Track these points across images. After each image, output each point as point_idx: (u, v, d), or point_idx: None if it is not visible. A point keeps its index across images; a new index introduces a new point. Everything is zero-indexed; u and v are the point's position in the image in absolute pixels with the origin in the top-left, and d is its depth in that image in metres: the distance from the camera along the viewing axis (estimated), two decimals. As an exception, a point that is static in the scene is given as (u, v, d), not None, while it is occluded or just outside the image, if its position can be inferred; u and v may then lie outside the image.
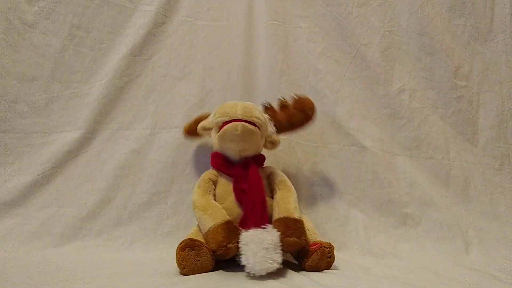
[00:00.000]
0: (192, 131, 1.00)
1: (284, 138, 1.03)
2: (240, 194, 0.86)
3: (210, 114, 0.94)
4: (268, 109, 0.92)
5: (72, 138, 1.05)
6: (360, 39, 1.12)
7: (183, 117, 1.07)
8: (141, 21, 1.08)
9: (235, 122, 0.83)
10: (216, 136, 0.87)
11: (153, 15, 1.08)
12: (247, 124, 0.83)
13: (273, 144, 0.94)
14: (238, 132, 0.83)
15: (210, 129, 0.93)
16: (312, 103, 0.91)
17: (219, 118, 0.86)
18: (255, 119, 0.85)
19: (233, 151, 0.88)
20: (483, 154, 1.14)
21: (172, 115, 1.08)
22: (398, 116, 1.12)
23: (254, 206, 0.82)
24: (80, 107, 1.06)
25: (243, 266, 0.76)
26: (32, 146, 1.05)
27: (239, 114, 0.84)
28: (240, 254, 0.76)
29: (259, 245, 0.74)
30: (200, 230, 0.84)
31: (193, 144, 1.07)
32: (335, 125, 1.09)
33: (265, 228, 0.78)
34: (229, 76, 1.11)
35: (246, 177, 0.86)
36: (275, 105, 0.93)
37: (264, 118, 0.88)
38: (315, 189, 1.07)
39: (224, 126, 0.84)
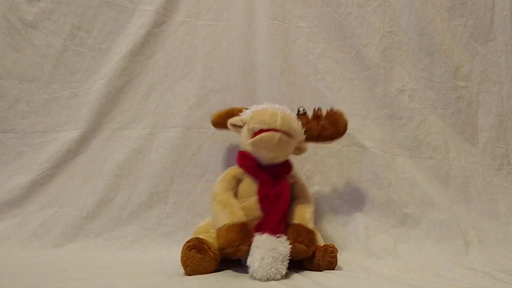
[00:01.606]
0: (219, 123, 0.98)
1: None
2: (264, 198, 0.85)
3: (241, 110, 0.92)
4: (301, 115, 0.91)
5: (71, 138, 1.05)
6: (360, 39, 1.12)
7: (183, 117, 1.07)
8: (141, 21, 1.08)
9: (273, 132, 0.82)
10: (250, 141, 0.86)
11: (153, 15, 1.08)
12: (284, 136, 0.83)
13: (300, 150, 0.94)
14: (274, 142, 0.83)
15: (240, 127, 0.91)
16: (345, 120, 0.91)
17: (256, 125, 0.84)
18: (292, 131, 0.85)
19: (264, 157, 0.88)
20: (483, 154, 1.14)
21: (172, 115, 1.08)
22: (398, 116, 1.12)
23: (275, 215, 0.83)
24: (80, 106, 1.06)
25: (246, 267, 0.76)
26: (32, 146, 1.05)
27: (277, 124, 0.83)
28: (246, 256, 0.77)
29: (269, 252, 0.74)
30: (213, 222, 0.84)
31: (193, 144, 1.07)
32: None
33: (279, 237, 0.78)
34: (229, 76, 1.11)
35: (273, 184, 0.86)
36: (310, 112, 0.92)
37: (300, 128, 0.88)
38: (315, 189, 1.07)
39: (260, 133, 0.83)
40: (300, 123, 0.89)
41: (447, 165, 1.11)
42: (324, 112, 0.92)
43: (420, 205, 1.06)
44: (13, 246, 0.95)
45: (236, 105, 1.00)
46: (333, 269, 0.83)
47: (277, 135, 0.82)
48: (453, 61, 1.14)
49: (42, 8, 1.07)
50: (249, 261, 0.75)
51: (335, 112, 0.92)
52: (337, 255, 0.84)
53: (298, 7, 1.13)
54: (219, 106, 1.07)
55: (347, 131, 1.07)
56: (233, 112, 0.95)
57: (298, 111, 0.92)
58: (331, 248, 0.83)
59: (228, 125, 0.93)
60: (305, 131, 0.90)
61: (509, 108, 1.16)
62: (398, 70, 1.13)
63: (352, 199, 1.06)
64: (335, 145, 1.09)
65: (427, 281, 0.79)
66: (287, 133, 0.84)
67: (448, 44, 1.15)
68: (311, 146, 1.08)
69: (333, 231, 1.02)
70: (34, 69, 1.07)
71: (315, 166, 1.08)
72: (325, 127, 0.90)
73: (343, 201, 1.06)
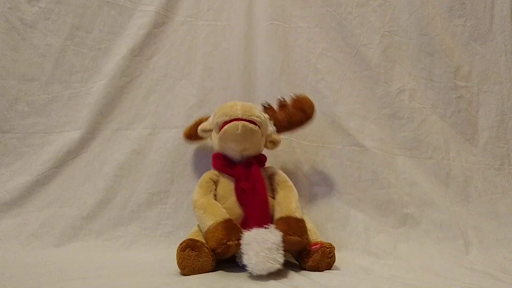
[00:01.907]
0: (192, 134, 1.00)
1: (284, 138, 1.03)
2: (241, 194, 0.86)
3: (209, 117, 0.95)
4: (267, 109, 0.93)
5: (72, 138, 1.05)
6: (360, 39, 1.12)
7: (183, 117, 1.07)
8: (141, 21, 1.08)
9: (235, 122, 0.84)
10: (217, 136, 0.88)
11: (153, 15, 1.08)
12: (247, 123, 0.84)
13: (273, 143, 0.95)
14: (238, 131, 0.83)
15: (210, 130, 0.93)
16: (311, 102, 0.92)
17: (219, 119, 0.86)
18: (255, 118, 0.85)
19: (234, 150, 0.89)
20: (483, 154, 1.14)
21: (172, 115, 1.08)
22: (398, 116, 1.12)
23: (256, 206, 0.83)
24: (80, 107, 1.07)
25: (244, 266, 0.76)
26: (32, 146, 1.05)
27: (239, 113, 0.84)
28: (241, 255, 0.76)
29: (262, 245, 0.74)
30: (200, 230, 0.84)
31: (193, 144, 1.06)
32: (335, 125, 1.09)
33: (267, 228, 0.77)
34: (229, 76, 1.11)
35: (247, 177, 0.86)
36: (274, 105, 0.93)
37: (264, 117, 0.89)
38: (315, 189, 1.07)
39: (224, 126, 0.85)
40: (267, 115, 0.90)
41: (447, 165, 1.11)
42: (288, 101, 0.93)
43: (420, 205, 1.06)
44: (13, 246, 0.95)
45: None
46: (331, 267, 0.83)
47: (240, 123, 0.83)
48: (453, 61, 1.14)
49: (42, 8, 1.07)
50: (245, 260, 0.75)
51: (300, 97, 0.92)
52: (336, 254, 0.84)
53: (298, 7, 1.13)
54: (219, 106, 1.07)
55: (348, 132, 1.08)
56: (201, 121, 0.97)
57: (263, 106, 0.93)
58: (328, 249, 0.82)
59: (199, 132, 0.95)
60: (275, 124, 0.91)
61: (509, 108, 1.16)
62: (398, 70, 1.13)
63: (352, 199, 1.06)
64: (335, 145, 1.09)
65: (427, 281, 0.78)
66: (250, 121, 0.84)
67: (448, 44, 1.15)
68: (311, 146, 1.09)
69: (333, 231, 1.02)
70: (33, 69, 1.07)
71: (315, 166, 1.08)
72: (293, 113, 0.91)
73: (343, 201, 1.06)
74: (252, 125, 0.84)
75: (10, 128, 1.05)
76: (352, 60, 1.12)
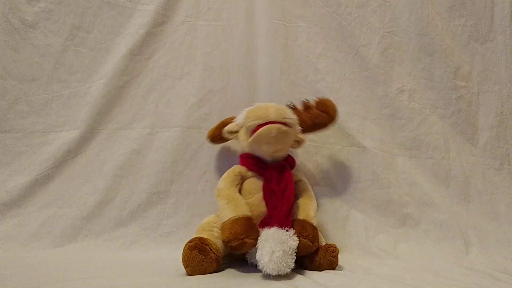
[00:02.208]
0: (216, 136, 1.00)
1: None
2: (269, 194, 0.86)
3: (233, 118, 0.96)
4: (292, 109, 0.93)
5: (71, 138, 1.04)
6: (360, 39, 1.12)
7: (183, 117, 1.07)
8: (140, 20, 1.08)
9: (270, 125, 0.83)
10: (250, 139, 0.87)
11: (153, 14, 1.08)
12: (281, 126, 0.84)
13: (298, 143, 0.95)
14: (273, 135, 0.84)
15: (237, 132, 0.94)
16: (334, 104, 0.93)
17: (252, 122, 0.86)
18: (288, 120, 0.86)
19: (266, 152, 0.89)
20: (483, 154, 1.14)
21: (171, 114, 1.08)
22: (397, 117, 1.12)
23: (282, 209, 0.83)
24: (80, 106, 1.06)
25: (251, 264, 0.76)
26: (31, 146, 1.05)
27: (272, 116, 0.84)
28: (255, 251, 0.76)
29: (279, 245, 0.74)
30: (218, 217, 0.84)
31: (193, 144, 1.07)
32: (335, 125, 1.09)
33: (288, 231, 0.78)
34: (229, 76, 1.11)
35: (278, 179, 0.86)
36: (299, 106, 0.94)
37: (294, 117, 0.89)
38: (315, 189, 1.06)
39: (257, 129, 0.84)
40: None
41: (447, 165, 1.11)
42: (312, 102, 0.94)
43: (420, 205, 1.06)
44: (13, 246, 0.95)
45: (236, 105, 1.01)
46: (334, 269, 0.83)
47: (274, 126, 0.83)
48: (453, 61, 1.14)
49: (42, 8, 1.07)
50: (258, 255, 0.75)
51: (323, 100, 0.94)
52: (338, 255, 0.84)
53: (298, 7, 1.13)
54: (219, 106, 1.07)
55: (348, 132, 1.08)
56: (226, 123, 0.97)
57: (288, 106, 0.93)
58: (332, 248, 0.83)
59: (224, 133, 0.95)
60: (300, 124, 0.91)
61: (509, 108, 1.16)
62: (398, 70, 1.13)
63: (352, 199, 1.06)
64: (335, 145, 1.09)
65: (427, 281, 0.79)
66: (284, 123, 0.85)
67: (448, 44, 1.15)
68: (311, 146, 1.09)
69: (333, 231, 1.02)
70: (34, 69, 1.07)
71: (315, 166, 1.08)
72: (317, 115, 0.92)
73: (343, 201, 1.06)
74: (285, 128, 0.85)
75: (10, 128, 1.05)
76: (352, 60, 1.12)
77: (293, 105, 0.94)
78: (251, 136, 0.86)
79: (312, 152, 1.09)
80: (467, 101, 1.15)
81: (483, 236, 1.04)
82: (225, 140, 0.99)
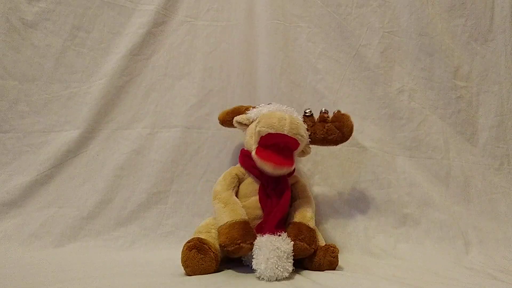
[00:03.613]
0: (226, 121, 0.98)
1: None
2: (264, 198, 0.86)
3: (248, 108, 0.93)
4: (308, 117, 0.92)
5: (71, 138, 1.04)
6: (360, 39, 1.12)
7: (183, 117, 1.07)
8: (140, 20, 1.08)
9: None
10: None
11: (153, 14, 1.08)
12: (287, 168, 0.84)
13: (303, 153, 0.94)
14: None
15: (246, 125, 0.92)
16: (351, 123, 0.91)
17: (263, 128, 0.85)
18: (299, 137, 0.85)
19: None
20: (483, 154, 1.14)
21: (171, 114, 1.08)
22: (397, 117, 1.12)
23: (276, 214, 0.83)
24: (80, 106, 1.06)
25: (247, 266, 0.76)
26: (32, 146, 1.05)
27: (286, 129, 0.84)
28: (251, 258, 0.77)
29: (273, 252, 0.74)
30: (215, 220, 0.84)
31: (193, 144, 1.07)
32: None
33: (280, 235, 0.78)
34: (229, 76, 1.11)
35: (276, 185, 0.86)
36: (316, 115, 0.93)
37: (306, 134, 0.88)
38: (315, 189, 1.07)
39: (267, 136, 0.84)
40: (306, 125, 0.89)
41: (447, 165, 1.11)
42: (330, 115, 0.92)
43: (420, 205, 1.06)
44: (13, 246, 0.95)
45: (236, 105, 1.00)
46: (334, 269, 0.83)
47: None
48: (453, 61, 1.14)
49: (42, 8, 1.07)
50: (254, 264, 0.75)
51: (342, 115, 0.91)
52: (338, 255, 0.84)
53: (298, 7, 1.13)
54: (219, 106, 1.07)
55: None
56: (240, 110, 0.95)
57: (305, 113, 0.92)
58: (332, 248, 0.83)
59: (234, 122, 0.94)
60: (310, 134, 0.90)
61: (509, 108, 1.17)
62: (398, 70, 1.13)
63: (352, 199, 1.06)
64: (335, 145, 1.09)
65: (427, 281, 0.79)
66: (294, 140, 0.84)
67: (448, 44, 1.15)
68: (311, 146, 1.08)
69: (333, 231, 1.02)
70: (34, 69, 1.07)
71: (315, 166, 1.08)
72: (331, 130, 0.90)
73: (343, 201, 1.06)
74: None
75: (10, 128, 1.05)
76: (352, 61, 1.12)
77: (311, 113, 0.92)
78: (259, 141, 0.86)
79: (312, 152, 1.08)
80: (467, 101, 1.15)
81: (483, 236, 1.04)
82: (233, 126, 0.97)
